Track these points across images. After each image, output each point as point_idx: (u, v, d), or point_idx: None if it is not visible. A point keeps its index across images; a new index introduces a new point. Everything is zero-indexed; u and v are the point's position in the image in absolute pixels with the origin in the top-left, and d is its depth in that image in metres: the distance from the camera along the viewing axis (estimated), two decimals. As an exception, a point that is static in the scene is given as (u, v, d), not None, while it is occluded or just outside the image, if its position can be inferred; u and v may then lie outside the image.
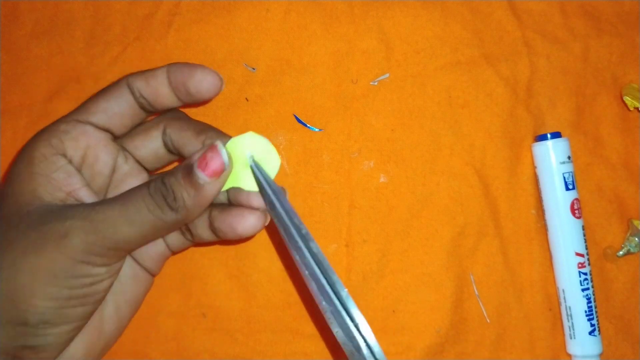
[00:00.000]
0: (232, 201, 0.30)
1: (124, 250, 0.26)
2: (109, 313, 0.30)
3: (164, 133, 0.30)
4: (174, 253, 0.32)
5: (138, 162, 0.31)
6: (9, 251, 0.25)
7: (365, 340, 0.26)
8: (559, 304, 0.38)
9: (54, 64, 0.40)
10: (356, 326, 0.26)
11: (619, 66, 0.40)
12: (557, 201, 0.37)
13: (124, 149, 0.30)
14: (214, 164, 0.26)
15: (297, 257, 0.27)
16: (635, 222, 0.38)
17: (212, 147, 0.26)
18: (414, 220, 0.38)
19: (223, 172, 0.26)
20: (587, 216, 0.38)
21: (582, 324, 0.36)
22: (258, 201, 0.28)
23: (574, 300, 0.36)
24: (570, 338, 0.37)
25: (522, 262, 0.38)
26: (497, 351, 0.38)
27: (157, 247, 0.31)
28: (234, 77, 0.39)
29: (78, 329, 0.27)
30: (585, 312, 0.36)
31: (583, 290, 0.36)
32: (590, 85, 0.40)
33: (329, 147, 0.39)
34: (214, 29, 0.40)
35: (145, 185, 0.26)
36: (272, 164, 0.29)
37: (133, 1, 0.40)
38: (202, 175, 0.26)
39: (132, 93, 0.29)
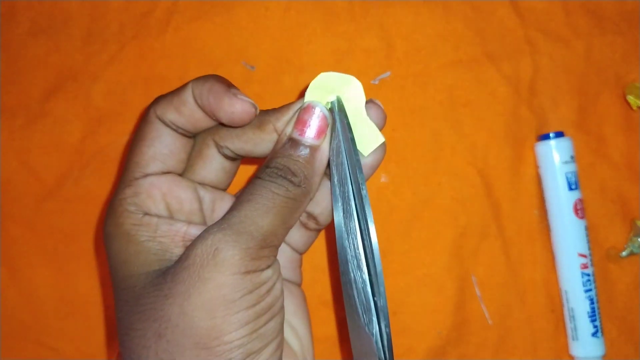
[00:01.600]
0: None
1: (274, 244, 0.24)
2: (286, 333, 0.28)
3: (217, 147, 0.28)
4: (302, 253, 0.31)
5: (213, 186, 0.29)
6: (169, 305, 0.22)
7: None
8: (562, 306, 0.37)
9: (51, 62, 0.40)
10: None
11: (622, 65, 0.40)
12: (560, 201, 0.37)
13: (195, 182, 0.28)
14: (316, 124, 0.25)
15: (339, 218, 0.26)
16: (639, 223, 0.38)
17: (305, 109, 0.25)
18: (415, 221, 0.38)
19: (327, 127, 0.25)
20: (590, 216, 0.38)
21: (585, 326, 0.36)
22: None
23: (577, 301, 0.36)
24: (573, 339, 0.37)
25: (524, 263, 0.38)
26: (499, 353, 0.37)
27: (284, 255, 0.30)
28: (233, 76, 0.39)
29: (280, 349, 0.24)
30: (588, 313, 0.36)
31: (586, 291, 0.36)
32: (593, 84, 0.40)
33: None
34: (212, 27, 0.39)
35: (256, 180, 0.24)
36: (355, 90, 0.26)
37: (131, -1, 0.40)
38: (308, 140, 0.25)
39: (168, 126, 0.27)
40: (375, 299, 0.25)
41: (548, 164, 0.37)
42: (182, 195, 0.26)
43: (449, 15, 0.39)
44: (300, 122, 0.25)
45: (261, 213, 0.23)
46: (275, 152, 0.25)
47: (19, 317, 0.39)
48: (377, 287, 0.25)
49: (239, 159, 0.29)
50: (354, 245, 0.26)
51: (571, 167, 0.37)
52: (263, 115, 0.27)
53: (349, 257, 0.26)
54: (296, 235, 0.30)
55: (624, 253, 0.38)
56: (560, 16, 0.40)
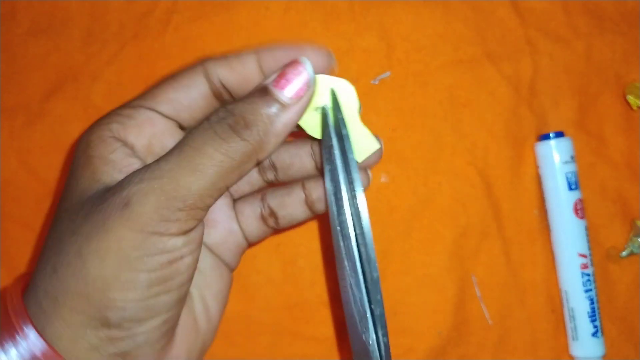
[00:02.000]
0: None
1: (197, 207, 0.21)
2: (198, 309, 0.27)
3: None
4: (251, 245, 0.30)
5: None
6: (72, 242, 0.21)
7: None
8: (562, 306, 0.37)
9: (51, 62, 0.40)
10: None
11: (622, 64, 0.40)
12: (560, 201, 0.37)
13: None
14: (296, 81, 0.23)
15: (334, 214, 0.25)
16: (639, 223, 0.38)
17: (292, 64, 0.23)
18: (415, 221, 0.38)
19: (307, 91, 0.23)
20: (590, 216, 0.38)
21: (585, 326, 0.36)
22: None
23: (577, 301, 0.36)
24: (573, 340, 0.37)
25: (524, 263, 0.38)
26: (499, 353, 0.38)
27: (234, 237, 0.28)
28: (233, 76, 0.39)
29: (168, 325, 0.23)
30: (588, 313, 0.36)
31: (586, 291, 0.36)
32: (594, 84, 0.40)
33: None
34: (212, 27, 0.39)
35: (205, 120, 0.22)
36: (350, 107, 0.25)
37: (131, -1, 0.40)
38: (282, 95, 0.22)
39: (210, 81, 0.25)
40: (372, 307, 0.25)
41: (548, 164, 0.37)
42: (169, 144, 0.24)
43: (449, 15, 0.39)
44: (281, 74, 0.23)
45: (188, 170, 0.21)
46: (244, 96, 0.23)
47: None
48: (374, 295, 0.25)
49: (270, 176, 0.28)
50: (349, 250, 0.25)
51: (571, 167, 0.37)
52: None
53: (345, 262, 0.25)
54: (253, 226, 0.29)
55: (624, 253, 0.38)
56: (560, 16, 0.40)
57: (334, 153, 0.25)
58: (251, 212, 0.28)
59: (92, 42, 0.40)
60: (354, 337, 0.25)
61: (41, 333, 0.21)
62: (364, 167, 0.27)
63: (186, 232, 0.22)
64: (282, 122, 0.22)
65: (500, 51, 0.39)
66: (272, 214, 0.28)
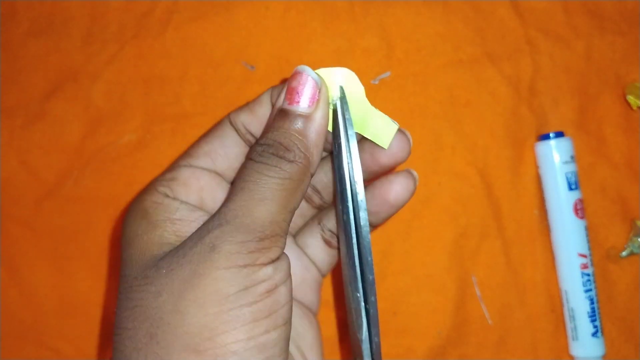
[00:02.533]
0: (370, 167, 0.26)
1: (277, 233, 0.22)
2: None
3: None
4: (324, 276, 0.30)
5: None
6: (163, 303, 0.20)
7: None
8: (562, 306, 0.37)
9: (51, 62, 0.40)
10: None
11: (622, 64, 0.40)
12: (560, 201, 0.37)
13: None
14: (306, 90, 0.23)
15: (339, 215, 0.25)
16: (639, 223, 0.38)
17: (293, 76, 0.24)
18: (415, 221, 0.38)
19: (321, 93, 0.23)
20: (590, 216, 0.38)
21: (585, 326, 0.36)
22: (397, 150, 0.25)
23: (577, 301, 0.36)
24: (573, 339, 0.37)
25: (524, 263, 0.38)
26: (499, 353, 0.38)
27: (309, 273, 0.29)
28: (233, 76, 0.39)
29: None
30: (588, 313, 0.36)
31: (586, 291, 0.36)
32: (594, 84, 0.40)
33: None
34: (212, 27, 0.39)
35: (247, 162, 0.22)
36: (357, 95, 0.25)
37: (130, -1, 0.40)
38: (300, 108, 0.23)
39: (237, 130, 0.26)
40: (367, 306, 0.24)
41: (548, 164, 0.37)
42: (219, 195, 0.25)
43: (449, 15, 0.39)
44: (289, 90, 0.23)
45: (256, 202, 0.21)
46: (266, 127, 0.23)
47: (18, 317, 0.39)
48: (369, 296, 0.25)
49: None
50: (350, 251, 0.25)
51: (571, 167, 0.37)
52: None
53: (346, 262, 0.25)
54: (320, 254, 0.29)
55: (624, 253, 0.38)
56: (560, 16, 0.40)
57: (342, 154, 0.25)
58: (314, 241, 0.29)
59: (92, 42, 0.40)
60: (352, 335, 0.26)
61: None
62: (407, 169, 0.27)
63: (274, 260, 0.22)
64: (314, 131, 0.23)
65: (500, 51, 0.39)
66: (333, 234, 0.28)
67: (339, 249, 0.29)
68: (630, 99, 0.38)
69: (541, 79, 0.39)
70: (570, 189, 0.37)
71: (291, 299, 0.23)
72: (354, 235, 0.25)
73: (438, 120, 0.39)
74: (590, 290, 0.36)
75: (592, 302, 0.36)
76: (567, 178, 0.37)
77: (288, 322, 0.22)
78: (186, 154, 0.26)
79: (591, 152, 0.39)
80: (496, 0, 0.40)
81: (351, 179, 0.25)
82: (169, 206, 0.23)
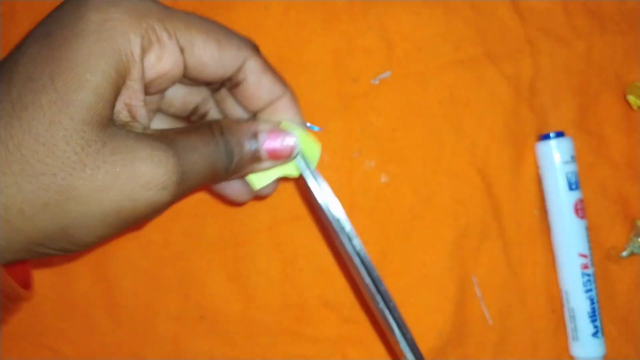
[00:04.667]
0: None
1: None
2: None
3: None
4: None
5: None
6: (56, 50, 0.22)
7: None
8: (562, 306, 0.38)
9: (50, 62, 0.40)
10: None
11: (623, 64, 0.40)
12: (561, 201, 0.37)
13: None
14: (282, 152, 0.26)
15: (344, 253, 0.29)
16: (639, 223, 0.38)
17: (287, 134, 0.27)
18: (415, 221, 0.38)
19: (282, 159, 0.27)
20: (590, 216, 0.38)
21: (585, 326, 0.36)
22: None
23: (577, 301, 0.36)
24: (573, 340, 0.37)
25: (525, 264, 0.38)
26: (499, 353, 0.38)
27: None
28: (233, 76, 0.39)
29: None
30: (589, 313, 0.36)
31: (586, 291, 0.36)
32: (594, 84, 0.40)
33: (329, 146, 0.38)
34: (212, 26, 0.39)
35: (209, 127, 0.25)
36: (314, 152, 0.29)
37: None
38: (264, 152, 0.26)
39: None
40: (392, 313, 0.29)
41: (548, 163, 0.37)
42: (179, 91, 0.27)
43: (449, 15, 0.40)
44: (275, 135, 0.26)
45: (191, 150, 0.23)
46: (240, 126, 0.26)
47: (18, 317, 0.39)
48: (388, 303, 0.30)
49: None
50: (362, 277, 0.29)
51: (571, 167, 0.37)
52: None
53: (363, 286, 0.30)
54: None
55: (624, 253, 0.38)
56: (560, 16, 0.40)
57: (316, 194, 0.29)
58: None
59: (91, 41, 0.40)
60: (391, 342, 0.30)
61: None
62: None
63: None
64: (250, 168, 0.26)
65: (500, 51, 0.40)
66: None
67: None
68: (631, 98, 0.39)
69: (541, 79, 0.40)
70: (571, 189, 0.37)
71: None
72: (360, 265, 0.29)
73: (438, 120, 0.39)
74: (590, 290, 0.36)
75: (592, 303, 0.36)
76: (567, 178, 0.37)
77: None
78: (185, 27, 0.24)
79: (591, 152, 0.39)
80: (496, 0, 0.40)
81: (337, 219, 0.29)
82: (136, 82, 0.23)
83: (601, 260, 0.39)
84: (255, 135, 0.26)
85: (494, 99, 0.39)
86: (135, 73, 0.23)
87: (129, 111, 0.23)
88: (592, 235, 0.38)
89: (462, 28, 0.40)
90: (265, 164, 0.27)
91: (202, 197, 0.38)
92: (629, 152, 0.39)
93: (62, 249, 0.22)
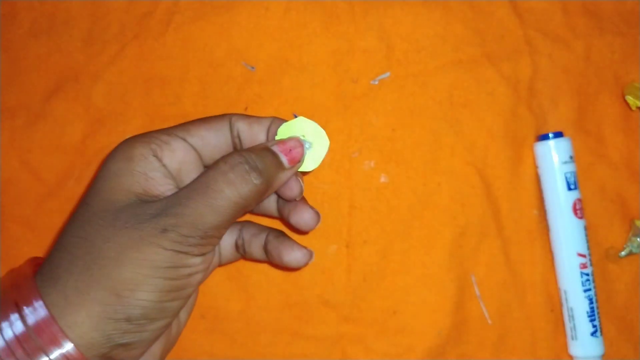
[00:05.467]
0: (290, 222, 0.32)
1: (215, 236, 0.27)
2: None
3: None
4: (221, 265, 0.34)
5: None
6: (108, 249, 0.25)
7: None
8: (561, 305, 0.38)
9: (52, 63, 0.40)
10: None
11: (621, 65, 0.40)
12: (559, 201, 0.37)
13: None
14: (296, 153, 0.29)
15: None
16: (638, 223, 0.38)
17: (294, 139, 0.29)
18: (415, 221, 0.38)
19: (300, 161, 0.29)
20: (589, 216, 0.38)
21: (583, 325, 0.36)
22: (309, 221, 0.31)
23: (576, 301, 0.37)
24: (572, 339, 0.37)
25: (524, 263, 0.39)
26: (498, 352, 0.38)
27: (212, 259, 0.32)
28: (233, 76, 0.40)
29: (167, 327, 0.28)
30: (587, 313, 0.36)
31: (585, 291, 0.36)
32: (592, 85, 0.40)
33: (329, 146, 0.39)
34: (213, 27, 0.40)
35: (222, 162, 0.27)
36: (322, 145, 0.31)
37: (131, 0, 0.40)
38: (284, 159, 0.28)
39: (231, 131, 0.30)
40: None
41: (547, 164, 0.38)
42: (193, 174, 0.29)
43: (448, 16, 0.40)
44: (285, 145, 0.29)
45: (211, 209, 0.26)
46: (254, 147, 0.28)
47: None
48: None
49: None
50: None
51: (570, 167, 0.37)
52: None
53: None
54: (228, 252, 0.33)
55: (623, 253, 0.38)
56: (559, 16, 0.40)
57: None
58: (230, 240, 0.33)
59: (92, 42, 0.40)
60: None
61: (56, 318, 0.24)
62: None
63: (204, 254, 0.27)
64: (280, 178, 0.29)
65: (499, 52, 0.40)
66: (243, 246, 0.33)
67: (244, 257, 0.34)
68: (629, 99, 0.39)
69: (540, 79, 0.40)
70: (570, 189, 0.37)
71: (201, 282, 0.29)
72: None
73: (437, 120, 0.39)
74: (589, 289, 0.36)
75: (591, 302, 0.36)
76: (566, 178, 0.37)
77: (189, 296, 0.28)
78: (184, 128, 0.29)
79: (590, 152, 0.39)
80: (495, 0, 0.40)
81: None
82: (151, 163, 0.27)
83: (600, 260, 0.39)
84: (268, 149, 0.29)
85: (493, 99, 0.39)
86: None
87: None
88: (591, 235, 0.38)
89: (461, 29, 0.40)
90: (289, 171, 0.29)
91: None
92: (628, 152, 0.40)
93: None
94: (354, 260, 0.38)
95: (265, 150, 0.28)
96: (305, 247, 0.31)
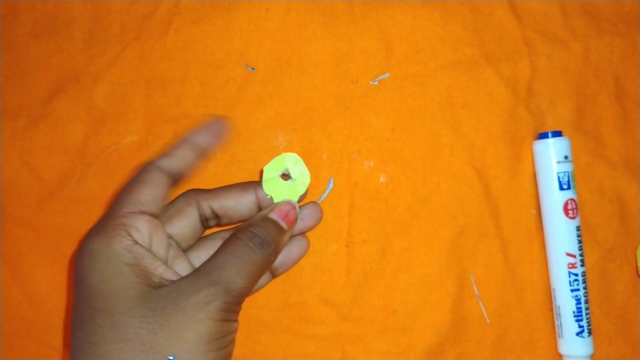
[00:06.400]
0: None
1: (244, 299, 0.29)
2: None
3: (199, 207, 0.33)
4: None
5: (178, 242, 0.34)
6: (159, 338, 0.26)
7: None
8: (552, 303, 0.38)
9: (53, 63, 0.41)
10: None
11: (620, 65, 0.41)
12: (551, 201, 0.37)
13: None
14: (292, 216, 0.33)
15: None
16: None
17: (286, 203, 0.33)
18: (414, 220, 0.39)
19: (295, 221, 0.33)
20: (587, 216, 0.39)
21: (569, 325, 0.37)
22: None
23: (563, 300, 0.37)
24: (559, 337, 0.37)
25: (522, 262, 0.39)
26: (497, 351, 0.38)
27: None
28: (234, 77, 0.40)
29: None
30: (574, 312, 0.36)
31: (572, 291, 0.36)
32: (591, 85, 0.40)
33: (328, 147, 0.39)
34: (213, 28, 0.40)
35: (238, 241, 0.30)
36: (304, 179, 0.34)
37: (132, 1, 0.41)
38: (282, 223, 0.32)
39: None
40: None
41: (543, 162, 0.38)
42: (162, 241, 0.31)
43: (447, 17, 0.40)
44: (282, 210, 0.32)
45: (242, 275, 0.28)
46: (255, 221, 0.31)
47: (21, 316, 0.39)
48: None
49: (212, 224, 0.34)
50: None
51: (564, 167, 0.37)
52: (246, 184, 0.34)
53: None
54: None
55: None
56: (558, 17, 0.41)
57: None
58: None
59: (94, 43, 0.41)
60: None
61: None
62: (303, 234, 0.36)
63: (237, 319, 0.29)
64: (284, 240, 0.32)
65: (498, 52, 0.40)
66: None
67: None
68: None
69: (539, 80, 0.40)
70: (562, 188, 0.37)
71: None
72: None
73: (436, 120, 0.40)
74: (577, 290, 0.36)
75: (578, 302, 0.36)
76: (559, 177, 0.37)
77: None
78: (129, 198, 0.30)
79: (589, 152, 0.40)
80: (494, 1, 0.41)
81: None
82: (137, 252, 0.28)
83: (600, 260, 0.39)
84: (267, 219, 0.32)
85: (492, 100, 0.40)
86: None
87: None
88: (590, 235, 0.38)
89: (460, 30, 0.40)
90: (289, 232, 0.33)
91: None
92: (626, 152, 0.40)
93: None
94: (354, 260, 0.39)
95: (266, 221, 0.31)
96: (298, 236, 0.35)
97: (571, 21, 0.41)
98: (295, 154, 0.34)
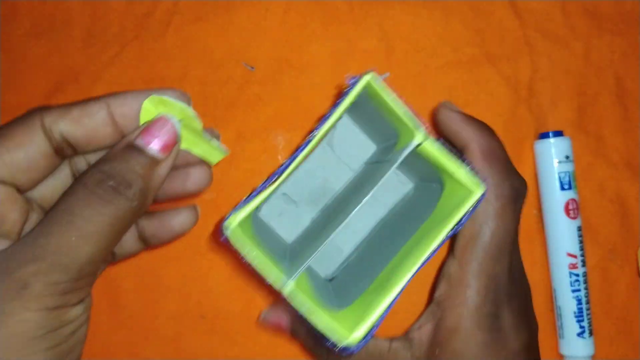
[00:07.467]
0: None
1: (90, 274, 0.22)
2: None
3: (47, 134, 0.24)
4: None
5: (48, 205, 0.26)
6: None
7: None
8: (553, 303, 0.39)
9: (52, 63, 0.41)
10: None
11: (621, 65, 0.41)
12: (552, 201, 0.38)
13: (31, 200, 0.25)
14: (164, 136, 0.23)
15: None
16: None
17: (158, 119, 0.24)
18: (414, 221, 0.39)
19: (176, 144, 0.24)
20: (588, 216, 0.39)
21: (570, 325, 0.37)
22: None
23: (564, 300, 0.37)
24: (560, 337, 0.38)
25: (523, 263, 0.39)
26: (498, 352, 0.38)
27: None
28: (233, 77, 0.40)
29: None
30: (575, 313, 0.37)
31: (573, 291, 0.37)
32: (592, 85, 0.41)
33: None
34: (213, 28, 0.41)
35: (80, 188, 0.22)
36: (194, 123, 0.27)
37: (131, 0, 0.41)
38: (152, 150, 0.23)
39: (50, 137, 0.24)
40: None
41: (545, 162, 0.38)
42: (10, 215, 0.23)
43: (448, 16, 0.41)
44: (148, 130, 0.23)
45: (81, 240, 0.20)
46: (113, 154, 0.23)
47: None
48: None
49: (68, 153, 0.25)
50: None
51: (565, 167, 0.38)
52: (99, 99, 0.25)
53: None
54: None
55: None
56: (559, 17, 0.41)
57: None
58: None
59: (92, 43, 0.41)
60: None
61: None
62: (193, 205, 0.29)
63: (83, 299, 0.22)
64: (158, 175, 0.23)
65: (499, 52, 0.41)
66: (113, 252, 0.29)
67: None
68: None
69: (540, 80, 0.40)
70: (563, 188, 0.37)
71: (86, 335, 0.23)
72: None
73: (437, 120, 0.40)
74: (578, 290, 0.37)
75: (579, 303, 0.37)
76: (559, 178, 0.38)
77: (80, 356, 0.23)
78: None
79: (590, 152, 0.40)
80: (495, 1, 0.41)
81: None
82: None
83: (600, 260, 0.39)
84: (131, 146, 0.23)
85: (493, 99, 0.40)
86: None
87: None
88: (591, 235, 0.39)
89: (461, 29, 0.40)
90: (167, 162, 0.24)
91: (203, 197, 0.39)
92: (627, 152, 0.40)
93: None
94: (354, 260, 0.39)
95: (127, 151, 0.23)
96: (189, 206, 0.27)
97: (572, 20, 0.41)
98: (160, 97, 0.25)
